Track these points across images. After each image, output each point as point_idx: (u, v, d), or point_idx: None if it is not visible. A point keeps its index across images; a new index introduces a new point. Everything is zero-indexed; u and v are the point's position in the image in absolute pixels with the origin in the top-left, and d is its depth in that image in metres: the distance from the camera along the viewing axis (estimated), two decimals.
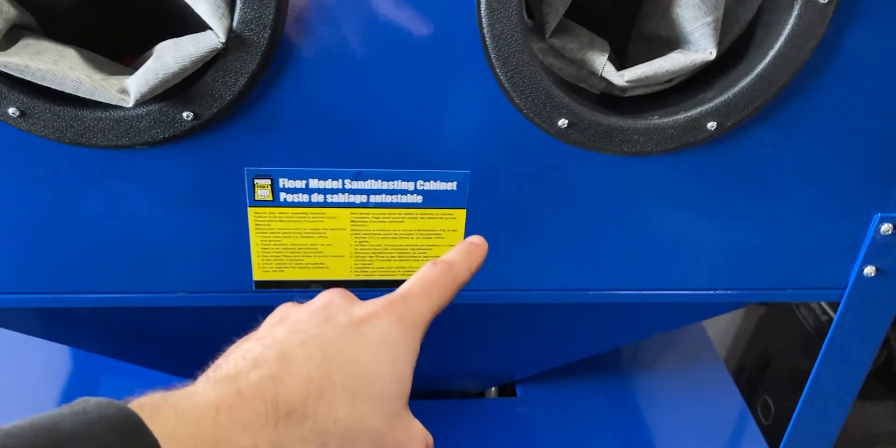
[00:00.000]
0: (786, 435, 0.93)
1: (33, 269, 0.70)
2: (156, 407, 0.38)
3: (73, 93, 0.59)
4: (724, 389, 1.13)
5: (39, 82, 0.59)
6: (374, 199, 0.69)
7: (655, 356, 1.17)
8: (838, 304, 1.54)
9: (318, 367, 0.44)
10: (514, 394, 1.13)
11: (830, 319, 1.61)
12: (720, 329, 1.97)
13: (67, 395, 1.07)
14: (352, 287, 0.74)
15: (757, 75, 0.64)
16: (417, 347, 0.49)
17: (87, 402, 0.37)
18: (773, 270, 0.76)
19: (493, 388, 1.20)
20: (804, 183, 0.71)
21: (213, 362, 0.46)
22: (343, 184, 0.68)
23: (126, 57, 0.69)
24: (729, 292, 0.78)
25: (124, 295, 0.73)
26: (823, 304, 1.63)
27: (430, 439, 0.48)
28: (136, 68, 0.65)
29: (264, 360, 0.43)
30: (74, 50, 0.62)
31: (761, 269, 0.76)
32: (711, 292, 0.77)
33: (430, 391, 1.13)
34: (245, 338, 0.48)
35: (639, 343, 1.18)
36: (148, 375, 1.06)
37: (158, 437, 0.35)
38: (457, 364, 1.02)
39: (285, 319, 0.49)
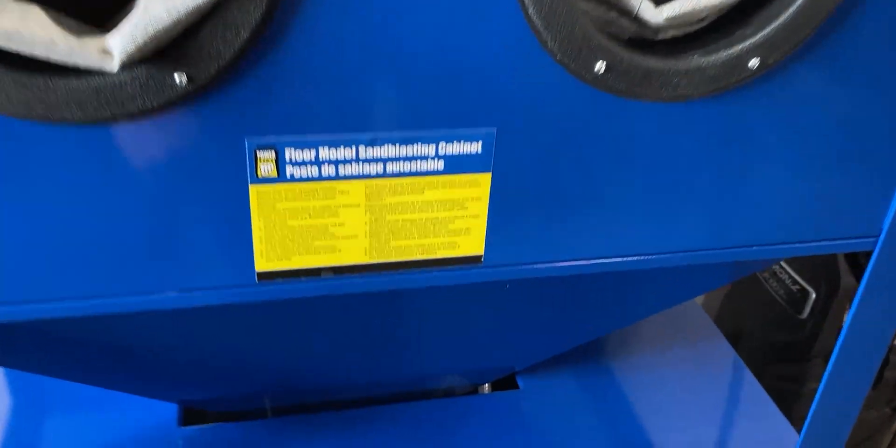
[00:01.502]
0: (818, 394, 0.88)
1: None
2: None
3: (44, 56, 0.50)
4: (732, 365, 1.09)
5: (3, 45, 0.49)
6: (390, 168, 0.62)
7: (658, 336, 1.12)
8: (809, 272, 1.53)
9: None
10: (513, 387, 1.07)
11: (802, 289, 1.60)
12: None
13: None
14: (367, 271, 0.66)
15: (799, 6, 0.59)
16: None
17: None
18: (809, 221, 0.72)
19: (486, 385, 1.13)
20: (844, 124, 0.67)
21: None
22: (357, 152, 0.60)
23: None
24: (766, 248, 0.73)
25: (103, 300, 0.63)
26: (793, 274, 1.62)
27: None
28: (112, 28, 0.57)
29: None
30: (39, 7, 0.52)
31: (797, 220, 0.72)
32: (748, 248, 0.72)
33: (421, 391, 1.06)
34: None
35: (641, 323, 1.13)
36: (123, 401, 0.96)
37: None
38: (461, 353, 0.94)
39: None
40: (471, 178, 0.63)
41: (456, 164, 0.63)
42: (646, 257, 0.70)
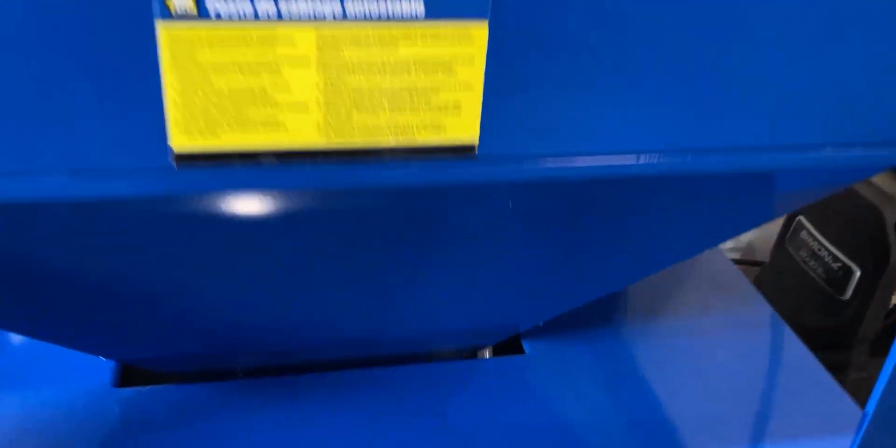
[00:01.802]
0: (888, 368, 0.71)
1: None
2: None
3: None
4: (772, 328, 0.92)
5: None
6: (351, 7, 0.46)
7: (684, 295, 0.96)
8: (852, 247, 1.36)
9: None
10: (518, 352, 0.90)
11: (844, 267, 1.43)
12: None
13: None
14: (324, 159, 0.50)
15: None
16: None
17: None
18: None
19: (486, 350, 0.97)
20: None
21: None
22: None
23: None
24: (856, 154, 0.56)
25: None
26: (833, 250, 1.45)
27: None
28: None
29: None
30: None
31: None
32: (850, 147, 0.56)
33: (412, 353, 0.90)
34: None
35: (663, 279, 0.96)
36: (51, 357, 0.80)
37: None
38: (452, 294, 0.78)
39: None
40: (461, 29, 0.47)
41: (440, 7, 0.46)
42: (694, 153, 0.53)
